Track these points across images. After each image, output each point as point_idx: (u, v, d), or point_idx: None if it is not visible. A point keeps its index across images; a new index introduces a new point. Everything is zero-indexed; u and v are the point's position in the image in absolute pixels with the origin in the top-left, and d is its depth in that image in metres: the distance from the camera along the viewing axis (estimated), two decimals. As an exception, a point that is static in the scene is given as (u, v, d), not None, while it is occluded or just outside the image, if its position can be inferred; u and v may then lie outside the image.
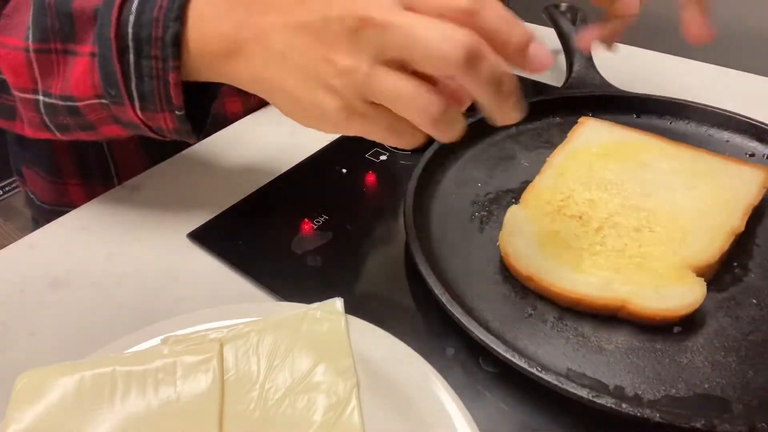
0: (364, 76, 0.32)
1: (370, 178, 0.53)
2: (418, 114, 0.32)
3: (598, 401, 0.33)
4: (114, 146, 0.62)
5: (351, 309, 0.39)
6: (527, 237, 0.43)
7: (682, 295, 0.39)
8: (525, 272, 0.41)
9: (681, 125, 0.57)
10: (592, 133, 0.53)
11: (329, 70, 0.33)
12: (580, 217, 0.45)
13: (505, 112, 0.33)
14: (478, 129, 0.55)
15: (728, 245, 0.42)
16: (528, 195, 0.47)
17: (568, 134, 0.53)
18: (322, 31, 0.33)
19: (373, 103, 0.34)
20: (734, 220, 0.44)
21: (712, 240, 0.42)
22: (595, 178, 0.48)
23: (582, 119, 0.55)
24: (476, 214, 0.48)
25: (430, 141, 0.55)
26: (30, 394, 0.35)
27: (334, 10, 0.32)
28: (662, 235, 0.43)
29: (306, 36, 0.34)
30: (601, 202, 0.46)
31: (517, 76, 0.32)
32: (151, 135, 0.44)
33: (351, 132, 0.36)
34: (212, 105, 0.45)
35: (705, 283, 0.39)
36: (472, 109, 0.64)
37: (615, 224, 0.44)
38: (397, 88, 0.32)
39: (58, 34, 0.41)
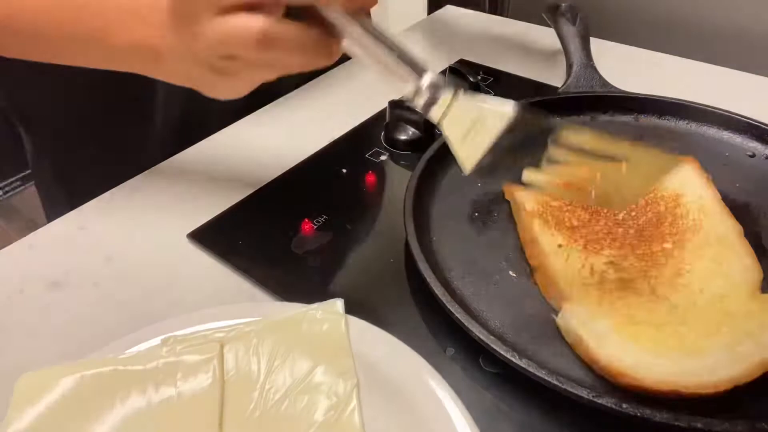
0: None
1: (370, 178, 0.53)
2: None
3: (598, 401, 0.33)
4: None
5: (351, 309, 0.39)
6: (604, 333, 0.37)
7: None
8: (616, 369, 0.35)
9: (681, 125, 0.57)
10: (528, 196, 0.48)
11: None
12: (630, 282, 0.41)
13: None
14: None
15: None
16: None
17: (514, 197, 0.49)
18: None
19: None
20: (730, 222, 0.44)
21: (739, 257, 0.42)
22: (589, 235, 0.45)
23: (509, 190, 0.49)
24: (476, 214, 0.48)
25: (430, 141, 0.55)
26: (30, 395, 0.35)
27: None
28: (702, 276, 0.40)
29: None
30: (621, 264, 0.42)
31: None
32: None
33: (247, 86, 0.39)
34: None
35: None
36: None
37: (670, 284, 0.40)
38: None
39: None
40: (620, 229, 0.45)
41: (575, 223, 0.46)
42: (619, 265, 0.42)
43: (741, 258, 0.41)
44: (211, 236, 0.48)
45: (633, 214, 0.46)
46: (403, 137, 0.57)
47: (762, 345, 0.35)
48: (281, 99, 0.66)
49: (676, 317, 0.38)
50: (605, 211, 0.46)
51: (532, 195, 0.47)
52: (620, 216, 0.46)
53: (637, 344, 0.36)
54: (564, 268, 0.42)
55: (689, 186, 0.47)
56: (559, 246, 0.44)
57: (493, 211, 0.48)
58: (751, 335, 0.36)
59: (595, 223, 0.45)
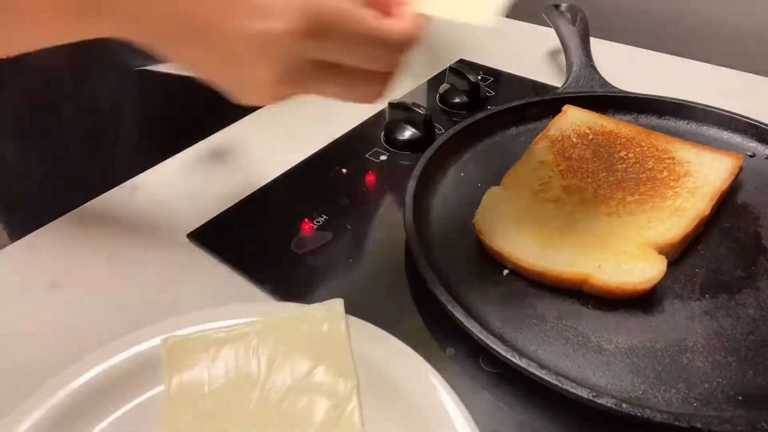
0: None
1: (370, 178, 0.53)
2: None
3: (598, 401, 0.33)
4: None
5: (351, 309, 0.39)
6: (502, 216, 0.45)
7: (642, 270, 0.40)
8: (495, 248, 0.43)
9: (681, 125, 0.57)
10: (573, 121, 0.55)
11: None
12: (555, 201, 0.47)
13: None
14: (478, 129, 0.56)
15: (693, 227, 0.44)
16: (508, 178, 0.49)
17: (551, 122, 0.55)
18: None
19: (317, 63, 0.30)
20: (701, 204, 0.45)
21: (676, 222, 0.44)
22: (573, 166, 0.50)
23: (565, 108, 0.56)
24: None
25: (430, 141, 0.55)
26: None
27: None
28: (629, 220, 0.45)
29: None
30: (576, 190, 0.48)
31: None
32: None
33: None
34: None
35: (666, 260, 0.41)
36: (472, 109, 0.64)
37: (587, 209, 0.46)
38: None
39: None
40: (607, 174, 0.49)
41: (575, 156, 0.51)
42: (572, 194, 0.47)
43: (670, 231, 0.43)
44: (211, 236, 0.48)
45: (633, 169, 0.49)
46: (403, 137, 0.57)
47: (585, 266, 0.40)
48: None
49: (565, 226, 0.44)
50: (616, 164, 0.50)
51: (561, 130, 0.54)
52: (622, 166, 0.50)
53: (516, 230, 0.43)
54: (527, 171, 0.49)
55: (705, 171, 0.48)
56: (541, 162, 0.49)
57: (493, 211, 0.48)
58: (595, 257, 0.41)
59: (592, 164, 0.50)
